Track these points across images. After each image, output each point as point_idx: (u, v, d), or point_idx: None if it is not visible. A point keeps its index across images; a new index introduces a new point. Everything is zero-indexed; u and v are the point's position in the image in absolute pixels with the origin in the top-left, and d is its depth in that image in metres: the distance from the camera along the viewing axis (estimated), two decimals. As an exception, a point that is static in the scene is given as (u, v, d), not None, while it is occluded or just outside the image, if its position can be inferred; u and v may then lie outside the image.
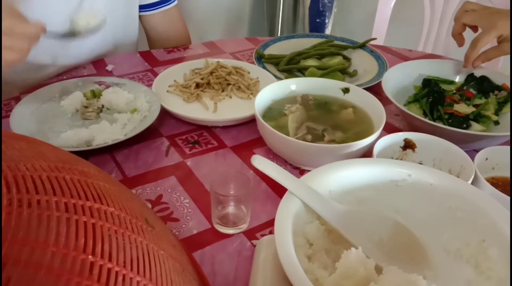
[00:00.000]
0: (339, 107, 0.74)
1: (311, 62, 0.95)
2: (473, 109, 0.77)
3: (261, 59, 0.96)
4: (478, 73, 0.85)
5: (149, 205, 0.59)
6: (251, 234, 0.56)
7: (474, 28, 0.85)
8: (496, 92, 0.82)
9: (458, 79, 0.87)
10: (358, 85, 0.79)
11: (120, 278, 0.25)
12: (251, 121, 0.76)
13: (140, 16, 1.07)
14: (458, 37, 0.86)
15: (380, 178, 0.51)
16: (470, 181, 0.56)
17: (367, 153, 0.65)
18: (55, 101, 0.77)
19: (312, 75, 0.89)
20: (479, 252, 0.45)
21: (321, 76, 0.88)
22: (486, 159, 0.63)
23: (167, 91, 0.83)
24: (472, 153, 0.64)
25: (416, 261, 0.46)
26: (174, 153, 0.70)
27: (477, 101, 0.80)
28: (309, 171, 0.51)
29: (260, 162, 0.49)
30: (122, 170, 0.66)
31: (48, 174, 0.29)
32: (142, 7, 1.06)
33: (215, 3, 2.14)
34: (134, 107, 0.75)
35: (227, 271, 0.51)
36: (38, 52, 0.82)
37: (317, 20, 2.19)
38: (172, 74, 0.87)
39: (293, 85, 0.76)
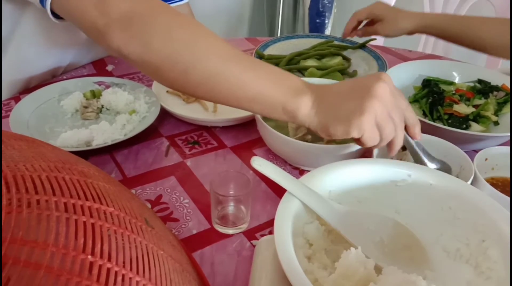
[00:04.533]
0: (339, 107, 0.74)
1: (311, 62, 0.95)
2: (473, 109, 0.77)
3: (261, 59, 0.95)
4: (477, 73, 0.85)
5: (149, 205, 0.59)
6: (250, 234, 0.56)
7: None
8: (495, 92, 0.82)
9: (458, 79, 0.87)
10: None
11: (119, 278, 0.25)
12: (251, 121, 0.76)
13: None
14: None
15: (380, 178, 0.51)
16: (469, 182, 0.56)
17: (367, 153, 0.65)
18: (55, 101, 0.77)
19: (312, 75, 0.89)
20: (479, 252, 0.45)
21: (321, 76, 0.88)
22: (486, 159, 0.63)
23: (167, 91, 0.83)
24: (471, 153, 0.64)
25: (416, 261, 0.46)
26: (174, 153, 0.70)
27: (477, 102, 0.80)
28: (308, 171, 0.51)
29: (260, 163, 0.49)
30: (122, 170, 0.65)
31: (48, 174, 0.29)
32: None
33: (215, 3, 2.14)
34: (134, 108, 0.75)
35: (227, 271, 0.51)
36: (38, 51, 0.83)
37: (317, 21, 2.19)
38: (172, 74, 0.87)
39: (293, 85, 0.76)
